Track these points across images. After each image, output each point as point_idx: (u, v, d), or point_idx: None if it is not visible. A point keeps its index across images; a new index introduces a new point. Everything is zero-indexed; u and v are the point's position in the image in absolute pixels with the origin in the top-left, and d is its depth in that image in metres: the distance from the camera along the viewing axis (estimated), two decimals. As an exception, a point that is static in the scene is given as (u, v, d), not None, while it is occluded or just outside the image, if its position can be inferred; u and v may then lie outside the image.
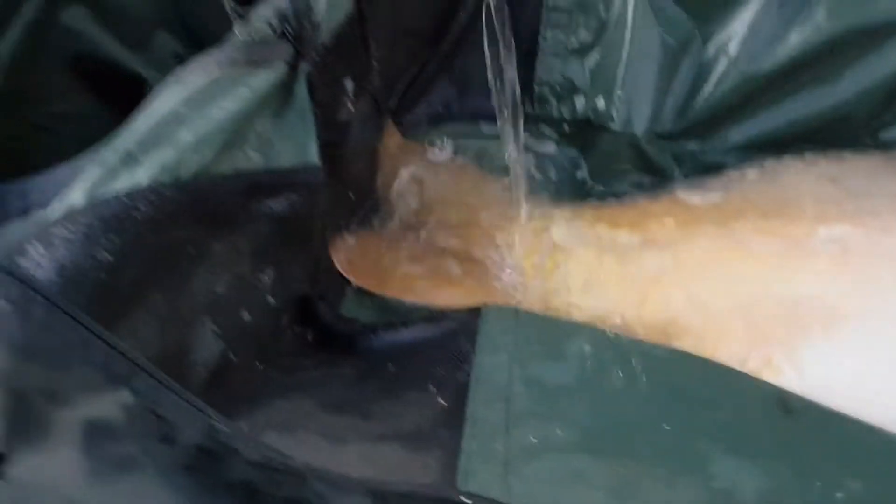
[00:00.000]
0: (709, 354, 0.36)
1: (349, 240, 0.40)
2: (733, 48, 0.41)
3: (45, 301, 0.18)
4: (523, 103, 0.45)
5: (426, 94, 0.44)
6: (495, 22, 0.36)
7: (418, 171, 0.43)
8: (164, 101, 0.26)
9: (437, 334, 0.32)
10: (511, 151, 0.38)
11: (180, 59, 0.46)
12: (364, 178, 0.39)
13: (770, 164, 0.40)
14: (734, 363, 0.35)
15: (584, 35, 0.42)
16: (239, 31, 0.30)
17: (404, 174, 0.42)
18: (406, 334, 0.32)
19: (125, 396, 0.19)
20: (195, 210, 0.25)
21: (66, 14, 0.36)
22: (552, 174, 0.44)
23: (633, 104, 0.42)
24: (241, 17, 0.33)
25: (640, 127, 0.42)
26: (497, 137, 0.44)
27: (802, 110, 0.41)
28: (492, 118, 0.46)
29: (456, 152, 0.44)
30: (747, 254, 0.37)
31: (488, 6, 0.35)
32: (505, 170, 0.45)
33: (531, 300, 0.37)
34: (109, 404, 0.18)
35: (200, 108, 0.26)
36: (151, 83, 0.42)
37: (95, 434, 0.18)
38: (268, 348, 0.30)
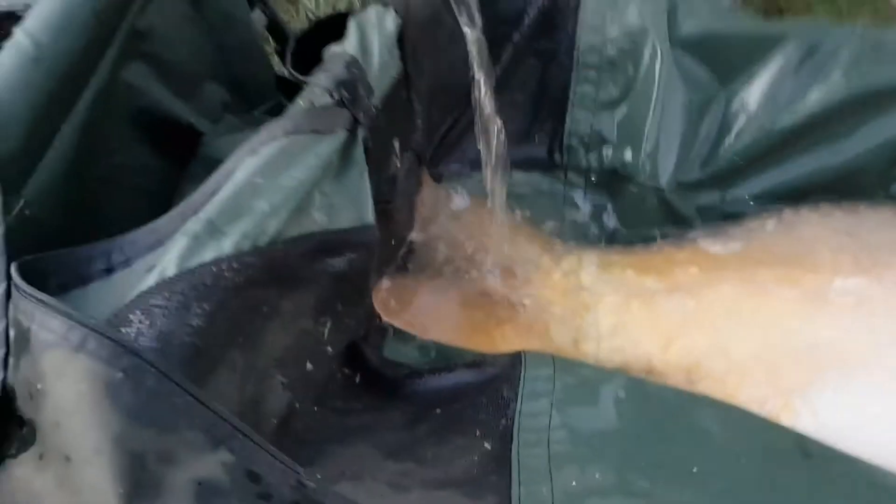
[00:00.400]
0: (730, 396, 0.38)
1: (387, 284, 0.42)
2: (754, 106, 0.43)
3: (154, 370, 0.20)
4: (553, 153, 0.48)
5: (459, 144, 0.46)
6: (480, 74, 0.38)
7: (449, 217, 0.45)
8: (241, 172, 0.28)
9: (480, 380, 0.34)
10: (491, 184, 0.40)
11: (227, 107, 0.48)
12: (403, 225, 0.41)
13: (788, 215, 0.42)
14: (754, 405, 0.37)
15: (613, 91, 0.44)
16: (302, 100, 0.33)
17: (437, 221, 0.45)
18: (450, 379, 0.34)
19: (225, 456, 0.21)
20: (270, 273, 0.27)
21: (128, 71, 0.38)
22: (580, 220, 0.46)
23: (658, 156, 0.44)
24: (302, 82, 0.35)
25: (664, 178, 0.44)
26: (528, 185, 0.47)
27: (818, 164, 0.43)
28: (521, 166, 0.48)
29: (485, 199, 0.47)
30: (767, 302, 0.39)
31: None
32: (535, 215, 0.47)
33: (563, 342, 0.39)
34: (213, 464, 0.20)
35: (274, 178, 0.28)
36: (202, 132, 0.45)
37: (204, 492, 0.20)
38: (323, 392, 0.32)
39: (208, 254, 0.26)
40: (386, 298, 0.41)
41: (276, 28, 0.50)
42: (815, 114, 0.42)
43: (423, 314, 0.41)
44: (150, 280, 0.24)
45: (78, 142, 0.34)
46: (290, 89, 0.51)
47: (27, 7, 0.37)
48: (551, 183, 0.47)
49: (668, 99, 0.43)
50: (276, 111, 0.50)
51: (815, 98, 0.42)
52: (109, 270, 0.28)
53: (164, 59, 0.41)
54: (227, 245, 0.26)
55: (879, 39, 0.42)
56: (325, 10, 0.90)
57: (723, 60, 0.43)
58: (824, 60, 0.42)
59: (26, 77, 0.30)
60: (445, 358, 0.38)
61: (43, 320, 0.21)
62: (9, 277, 0.25)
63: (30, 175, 0.30)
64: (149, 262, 0.28)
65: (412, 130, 0.39)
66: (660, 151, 0.44)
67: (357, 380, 0.36)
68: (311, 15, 0.92)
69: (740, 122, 0.44)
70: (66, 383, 0.20)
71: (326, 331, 0.31)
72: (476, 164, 0.49)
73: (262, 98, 0.51)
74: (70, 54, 0.32)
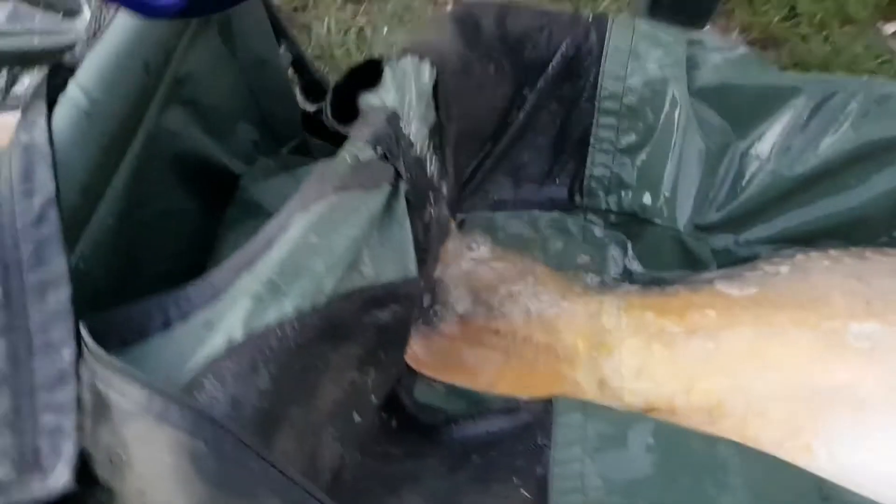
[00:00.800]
0: (751, 437, 0.39)
1: (413, 332, 0.43)
2: (767, 154, 0.45)
3: (234, 439, 0.21)
4: (573, 194, 0.50)
5: (482, 186, 0.48)
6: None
7: (470, 263, 0.46)
8: (294, 229, 0.29)
9: (514, 426, 0.35)
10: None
11: (257, 146, 0.49)
12: (431, 272, 0.42)
13: (800, 259, 0.44)
14: (773, 446, 0.38)
15: (633, 137, 0.46)
16: (347, 155, 0.34)
17: (459, 266, 0.45)
18: (484, 425, 0.35)
19: (302, 522, 0.21)
20: (325, 330, 0.28)
21: (168, 117, 0.39)
22: (599, 262, 0.47)
23: (676, 201, 0.46)
24: (345, 135, 0.36)
25: (682, 221, 0.46)
26: (549, 225, 0.48)
27: (827, 210, 0.45)
28: (543, 206, 0.50)
29: (506, 242, 0.48)
30: (785, 345, 0.41)
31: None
32: (556, 256, 0.48)
33: (588, 385, 0.40)
34: (291, 530, 0.21)
35: (328, 236, 0.29)
36: (236, 173, 0.45)
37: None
38: (366, 439, 0.33)
39: (271, 315, 0.26)
40: (414, 346, 0.42)
41: (300, 65, 0.51)
42: (825, 163, 0.44)
43: (446, 359, 0.42)
44: (218, 343, 0.25)
45: (126, 192, 0.35)
46: (315, 126, 0.52)
47: (72, 49, 0.37)
48: (571, 224, 0.48)
49: (687, 145, 0.45)
50: (302, 149, 0.51)
51: (826, 148, 0.44)
52: (167, 324, 0.29)
53: (201, 102, 0.42)
54: (288, 306, 0.27)
55: (886, 93, 0.44)
56: (336, 38, 0.91)
57: (737, 110, 0.45)
58: (834, 113, 0.44)
59: (81, 133, 0.31)
60: (473, 403, 0.39)
61: (123, 389, 0.22)
62: (78, 338, 0.26)
63: (83, 229, 0.31)
64: (206, 316, 0.29)
65: (443, 177, 0.40)
66: (678, 196, 0.46)
67: (393, 424, 0.36)
68: (322, 42, 0.93)
69: (754, 169, 0.45)
70: (151, 453, 0.21)
71: (371, 381, 0.32)
72: (499, 205, 0.50)
73: (288, 135, 0.52)
74: (122, 108, 0.33)
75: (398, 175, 0.34)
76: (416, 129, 0.37)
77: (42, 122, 0.30)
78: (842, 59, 0.93)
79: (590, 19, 0.46)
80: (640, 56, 0.46)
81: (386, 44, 0.89)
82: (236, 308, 0.26)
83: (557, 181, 0.48)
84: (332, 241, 0.29)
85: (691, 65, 0.46)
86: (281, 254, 0.28)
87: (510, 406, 0.36)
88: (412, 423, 0.36)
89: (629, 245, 0.47)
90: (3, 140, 0.53)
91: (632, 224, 0.47)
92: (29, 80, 0.47)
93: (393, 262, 0.32)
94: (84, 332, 0.24)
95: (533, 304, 0.45)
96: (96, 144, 0.31)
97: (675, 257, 0.47)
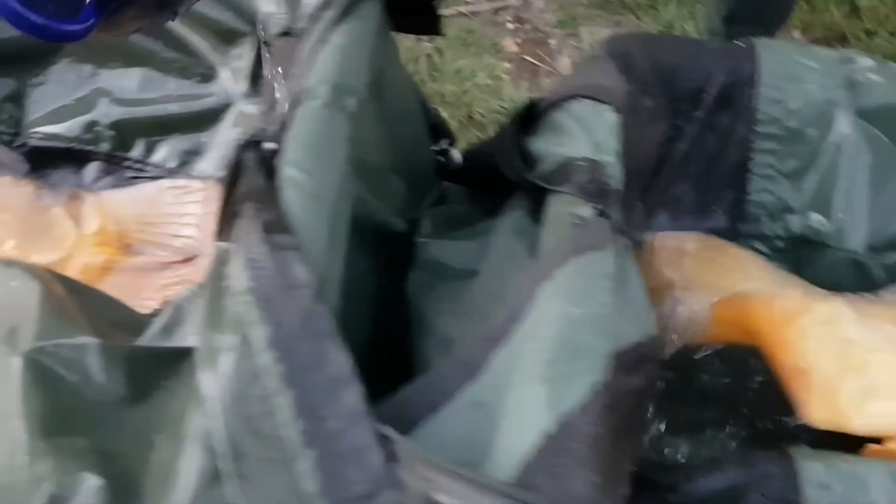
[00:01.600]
0: None
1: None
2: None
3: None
4: (736, 223, 0.48)
5: (644, 220, 0.47)
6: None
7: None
8: (547, 301, 0.28)
9: (754, 479, 0.34)
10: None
11: (406, 199, 0.48)
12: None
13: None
14: None
15: (797, 160, 0.45)
16: (564, 214, 0.33)
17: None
18: (722, 480, 0.34)
19: None
20: (608, 404, 0.27)
21: (349, 183, 0.38)
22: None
23: (850, 222, 0.44)
24: (540, 187, 0.35)
25: (856, 242, 0.45)
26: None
27: None
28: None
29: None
30: None
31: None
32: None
33: (838, 407, 0.38)
34: None
35: (585, 305, 0.28)
36: (397, 228, 0.44)
37: None
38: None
39: (570, 399, 0.25)
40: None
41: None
42: None
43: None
44: (529, 435, 0.24)
45: (345, 268, 0.33)
46: (448, 174, 0.51)
47: (215, 115, 0.35)
48: (735, 253, 0.47)
49: (857, 166, 0.44)
50: (441, 200, 0.51)
51: None
52: (433, 408, 0.27)
53: (363, 161, 0.41)
54: (582, 387, 0.25)
55: None
56: (407, 69, 0.90)
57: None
58: None
59: (313, 216, 0.30)
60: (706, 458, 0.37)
61: (471, 498, 0.21)
62: (383, 440, 0.24)
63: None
64: (472, 396, 0.27)
65: (633, 218, 0.39)
66: (850, 217, 0.45)
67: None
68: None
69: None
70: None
71: (631, 447, 0.31)
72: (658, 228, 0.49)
73: (427, 183, 0.51)
74: (339, 183, 0.32)
75: (619, 230, 0.33)
76: (615, 177, 0.36)
77: (276, 210, 0.29)
78: (910, 52, 0.93)
79: (741, 46, 0.46)
80: (797, 78, 0.45)
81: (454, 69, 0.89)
82: (527, 393, 0.25)
83: (719, 210, 0.47)
84: (590, 309, 0.28)
85: (848, 84, 0.45)
86: (546, 331, 0.27)
87: (747, 459, 0.35)
88: (644, 482, 0.34)
89: (800, 270, 0.46)
90: (148, 211, 0.52)
91: (801, 248, 0.46)
92: (167, 149, 0.46)
93: (634, 321, 0.31)
94: (395, 435, 0.23)
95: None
96: (327, 225, 0.30)
97: (849, 279, 0.45)
